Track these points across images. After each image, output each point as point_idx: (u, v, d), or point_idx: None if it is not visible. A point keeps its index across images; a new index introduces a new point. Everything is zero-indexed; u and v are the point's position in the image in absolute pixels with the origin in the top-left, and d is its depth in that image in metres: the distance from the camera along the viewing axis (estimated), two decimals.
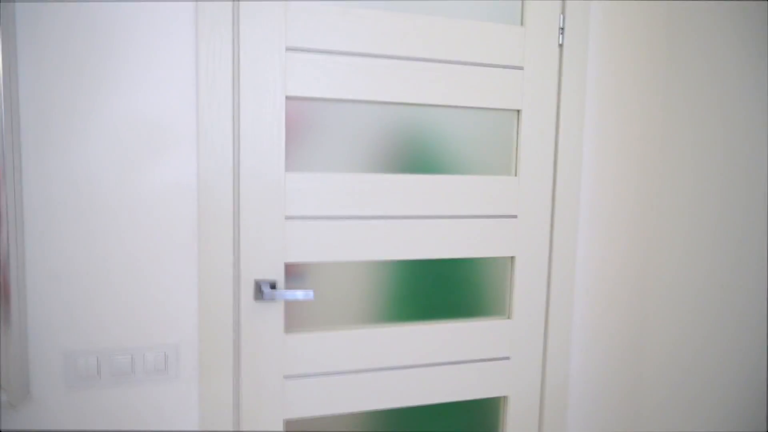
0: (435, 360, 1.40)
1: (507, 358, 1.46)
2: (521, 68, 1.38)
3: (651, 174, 1.52)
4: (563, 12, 1.39)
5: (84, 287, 1.16)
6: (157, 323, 1.21)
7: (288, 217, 1.26)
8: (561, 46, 1.40)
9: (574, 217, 1.45)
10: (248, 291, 1.25)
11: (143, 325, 1.21)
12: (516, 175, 1.42)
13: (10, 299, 1.07)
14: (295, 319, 1.31)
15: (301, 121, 1.26)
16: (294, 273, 1.30)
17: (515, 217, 1.42)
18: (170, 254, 1.20)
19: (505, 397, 1.48)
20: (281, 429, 1.30)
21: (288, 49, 1.22)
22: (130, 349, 1.20)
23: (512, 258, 1.44)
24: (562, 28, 1.39)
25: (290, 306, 1.30)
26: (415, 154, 1.35)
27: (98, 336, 1.18)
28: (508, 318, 1.46)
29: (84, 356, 1.17)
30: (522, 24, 1.38)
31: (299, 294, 1.22)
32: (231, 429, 1.26)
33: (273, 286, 1.26)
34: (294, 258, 1.27)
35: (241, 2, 1.18)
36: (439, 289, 1.40)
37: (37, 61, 1.09)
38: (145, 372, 1.22)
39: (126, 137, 1.16)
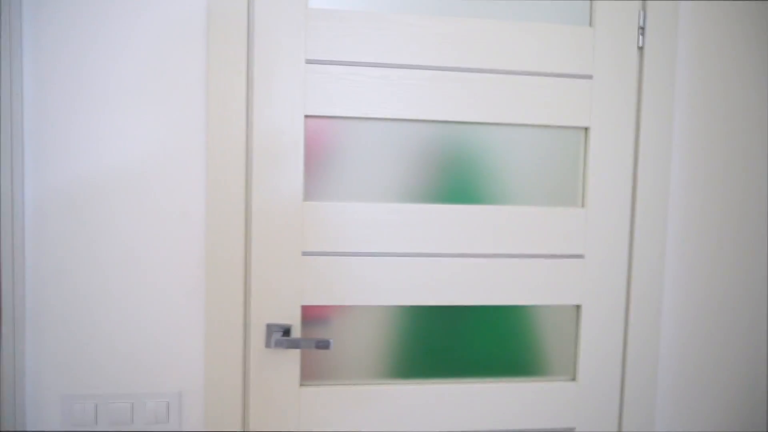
0: (479, 427, 1.16)
1: (571, 429, 1.19)
2: (590, 77, 1.13)
3: (759, 207, 1.21)
4: (644, 8, 1.14)
5: (84, 329, 1.07)
6: (159, 369, 1.09)
7: (306, 253, 1.09)
8: (641, 49, 1.14)
9: (659, 259, 1.17)
10: (259, 337, 1.09)
11: (145, 371, 1.08)
12: (583, 206, 1.17)
13: (6, 339, 0.99)
14: (313, 369, 1.13)
15: (323, 143, 1.10)
16: (312, 317, 1.13)
17: (582, 257, 1.16)
18: (175, 294, 1.08)
19: None
20: None
21: (308, 61, 1.07)
22: (130, 396, 1.08)
23: (577, 307, 1.18)
24: (643, 28, 1.14)
25: (307, 355, 1.13)
26: (458, 182, 1.14)
27: (97, 380, 1.08)
28: (573, 380, 1.20)
29: (82, 401, 1.07)
30: (591, 24, 1.14)
31: (316, 343, 1.05)
32: None
33: (287, 332, 1.09)
34: (312, 300, 1.10)
35: (256, 6, 1.05)
36: (485, 342, 1.17)
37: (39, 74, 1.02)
38: (145, 421, 1.09)
39: (128, 166, 1.05)
